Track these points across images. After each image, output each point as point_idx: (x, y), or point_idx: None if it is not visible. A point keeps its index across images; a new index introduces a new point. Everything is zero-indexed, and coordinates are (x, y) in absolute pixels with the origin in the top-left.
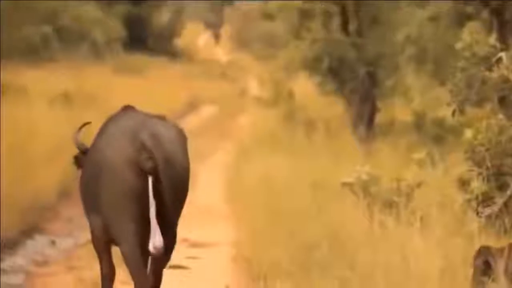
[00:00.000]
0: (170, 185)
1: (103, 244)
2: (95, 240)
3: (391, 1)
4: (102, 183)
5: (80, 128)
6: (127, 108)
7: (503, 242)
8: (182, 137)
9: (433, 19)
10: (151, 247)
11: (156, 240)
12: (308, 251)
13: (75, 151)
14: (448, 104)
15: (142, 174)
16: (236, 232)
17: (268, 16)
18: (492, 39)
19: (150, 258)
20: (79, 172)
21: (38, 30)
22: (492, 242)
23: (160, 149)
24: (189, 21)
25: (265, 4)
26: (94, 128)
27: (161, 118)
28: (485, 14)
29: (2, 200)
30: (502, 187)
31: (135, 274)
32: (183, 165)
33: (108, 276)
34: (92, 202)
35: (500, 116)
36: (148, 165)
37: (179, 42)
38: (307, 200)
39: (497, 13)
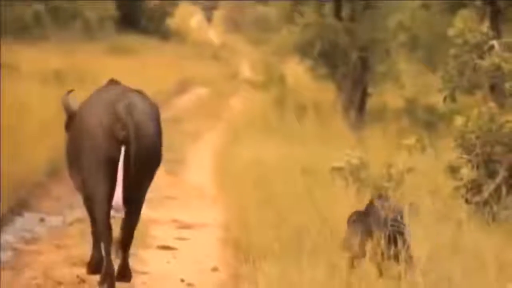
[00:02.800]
0: (139, 151)
1: (105, 212)
2: (94, 207)
3: None
4: (82, 146)
5: (68, 92)
6: (111, 82)
7: (491, 230)
8: (155, 110)
9: (426, 5)
10: (113, 204)
11: (117, 199)
12: (297, 235)
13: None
14: (440, 91)
15: (116, 141)
16: (225, 214)
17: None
18: (485, 27)
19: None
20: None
21: (30, 9)
22: (481, 229)
23: (132, 118)
24: (182, 2)
25: None
26: None
27: (139, 92)
28: (478, 1)
29: None
30: (491, 175)
31: (98, 226)
32: (154, 135)
33: (107, 233)
34: (74, 162)
35: (491, 104)
36: (122, 134)
37: (172, 23)
38: (297, 184)
39: (490, 1)
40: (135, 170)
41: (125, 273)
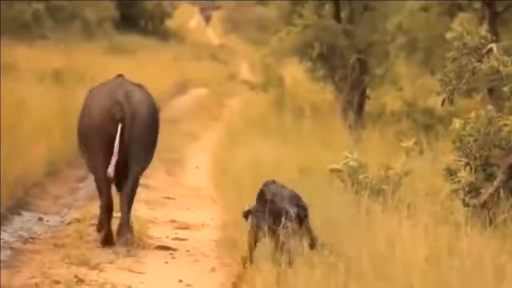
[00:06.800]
0: (134, 129)
1: (104, 180)
2: (97, 177)
3: None
4: (87, 127)
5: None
6: (118, 76)
7: (489, 233)
8: (151, 100)
9: (425, 8)
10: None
11: (110, 169)
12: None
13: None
14: (438, 94)
15: (114, 120)
16: (223, 215)
17: (261, 1)
18: (483, 30)
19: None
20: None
21: (30, 8)
22: (479, 232)
23: (129, 102)
24: (181, 2)
25: None
26: None
27: (139, 85)
28: (476, 4)
29: None
30: (489, 178)
31: (101, 192)
32: (147, 118)
33: (107, 208)
34: (83, 142)
35: (489, 107)
36: (119, 114)
37: (171, 23)
38: (295, 185)
39: (489, 4)
40: (129, 144)
41: (123, 232)
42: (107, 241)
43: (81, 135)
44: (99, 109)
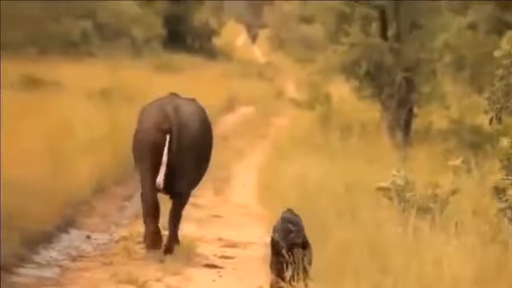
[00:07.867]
0: (181, 140)
1: (149, 195)
2: (143, 190)
3: (430, 7)
4: (139, 141)
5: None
6: (171, 94)
7: None
8: (202, 113)
9: (472, 26)
10: (156, 182)
11: (159, 178)
12: (341, 254)
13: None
14: (486, 112)
15: (162, 132)
16: (271, 232)
17: (307, 19)
18: None
19: (171, 201)
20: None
21: (77, 26)
22: None
23: (177, 115)
24: (228, 20)
25: (304, 4)
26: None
27: (191, 99)
28: None
29: (39, 193)
30: None
31: (145, 201)
32: (197, 130)
33: (152, 211)
34: (136, 156)
35: None
36: (166, 126)
37: (218, 41)
38: (342, 203)
39: None
40: (178, 156)
41: (169, 247)
42: (152, 242)
43: (134, 149)
44: (149, 122)
